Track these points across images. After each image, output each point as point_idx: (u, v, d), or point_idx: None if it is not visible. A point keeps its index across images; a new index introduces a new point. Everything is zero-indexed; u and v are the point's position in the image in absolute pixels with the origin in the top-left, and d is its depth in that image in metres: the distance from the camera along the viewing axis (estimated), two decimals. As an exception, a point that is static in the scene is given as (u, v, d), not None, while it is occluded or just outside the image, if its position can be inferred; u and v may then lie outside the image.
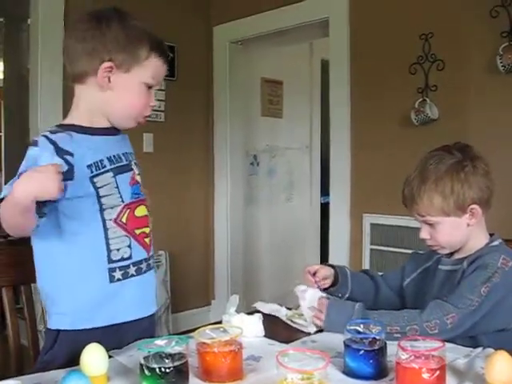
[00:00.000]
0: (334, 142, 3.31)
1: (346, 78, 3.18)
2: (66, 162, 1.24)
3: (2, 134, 4.71)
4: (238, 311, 1.40)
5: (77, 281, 1.30)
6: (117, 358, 1.19)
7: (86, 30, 1.31)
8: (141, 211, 1.39)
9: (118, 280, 1.33)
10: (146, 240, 1.40)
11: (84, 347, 1.07)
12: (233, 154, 3.95)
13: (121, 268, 1.33)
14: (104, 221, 1.31)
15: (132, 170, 1.40)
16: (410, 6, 2.91)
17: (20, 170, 1.22)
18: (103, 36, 1.30)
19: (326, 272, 1.58)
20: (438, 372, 0.98)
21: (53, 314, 1.33)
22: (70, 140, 1.27)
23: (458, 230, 1.44)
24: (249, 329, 1.31)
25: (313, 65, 4.72)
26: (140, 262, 1.37)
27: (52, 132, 1.28)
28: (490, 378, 0.99)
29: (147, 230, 1.41)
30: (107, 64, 1.31)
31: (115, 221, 1.32)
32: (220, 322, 1.35)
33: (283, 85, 4.58)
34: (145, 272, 1.38)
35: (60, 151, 1.24)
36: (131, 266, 1.35)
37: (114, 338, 1.28)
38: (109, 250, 1.31)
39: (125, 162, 1.38)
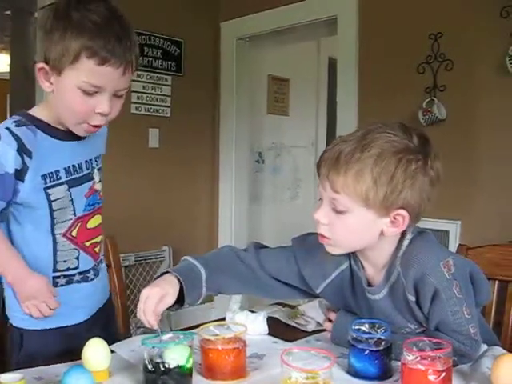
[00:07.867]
0: (340, 140, 3.28)
1: (353, 77, 3.16)
2: (23, 162, 1.17)
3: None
4: (241, 309, 1.40)
5: None
6: (119, 352, 1.19)
7: (43, 22, 1.18)
8: (94, 222, 1.33)
9: (61, 286, 1.29)
10: (96, 249, 1.36)
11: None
12: (238, 150, 3.93)
13: (65, 276, 1.30)
14: (54, 235, 1.26)
15: (92, 179, 1.32)
16: (419, 5, 2.89)
17: None
18: (46, 33, 1.16)
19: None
20: (444, 374, 0.96)
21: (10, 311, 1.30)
22: (33, 138, 1.19)
23: (365, 233, 1.10)
24: (253, 327, 1.31)
25: (320, 63, 4.70)
26: (88, 271, 1.34)
27: (17, 124, 1.19)
28: (497, 382, 0.98)
29: (99, 238, 1.37)
30: (39, 65, 1.17)
31: (65, 235, 1.27)
32: (223, 319, 1.35)
33: (290, 82, 4.57)
34: (92, 280, 1.35)
35: (22, 149, 1.16)
36: (77, 274, 1.31)
37: (77, 336, 1.22)
38: (55, 261, 1.28)
39: (85, 172, 1.29)
